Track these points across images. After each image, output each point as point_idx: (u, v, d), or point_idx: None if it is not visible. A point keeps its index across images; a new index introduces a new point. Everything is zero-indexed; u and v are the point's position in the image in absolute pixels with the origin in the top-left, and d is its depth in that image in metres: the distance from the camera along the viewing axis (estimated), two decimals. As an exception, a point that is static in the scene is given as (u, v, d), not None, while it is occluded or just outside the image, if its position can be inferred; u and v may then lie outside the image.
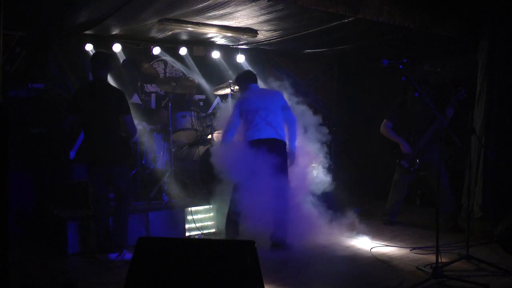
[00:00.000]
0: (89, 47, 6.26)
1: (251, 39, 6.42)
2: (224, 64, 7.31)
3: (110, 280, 3.94)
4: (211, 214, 5.42)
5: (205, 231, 5.30)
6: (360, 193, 6.96)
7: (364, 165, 7.34)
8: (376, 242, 5.02)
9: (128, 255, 4.37)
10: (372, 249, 4.79)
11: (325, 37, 6.31)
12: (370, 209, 5.45)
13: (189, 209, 5.25)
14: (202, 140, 6.03)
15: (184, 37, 6.58)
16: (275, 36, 6.40)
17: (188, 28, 5.70)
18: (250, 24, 5.81)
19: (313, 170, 5.32)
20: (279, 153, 4.61)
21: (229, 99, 5.92)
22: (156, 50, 6.76)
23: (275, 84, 5.38)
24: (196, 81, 6.84)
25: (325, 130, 5.31)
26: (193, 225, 5.23)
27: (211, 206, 5.42)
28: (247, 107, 4.78)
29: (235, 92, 5.90)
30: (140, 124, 6.12)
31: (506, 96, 5.90)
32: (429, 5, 5.64)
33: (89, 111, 4.45)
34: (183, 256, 2.49)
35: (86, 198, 5.07)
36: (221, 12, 5.17)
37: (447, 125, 4.44)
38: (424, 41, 6.42)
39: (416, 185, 6.65)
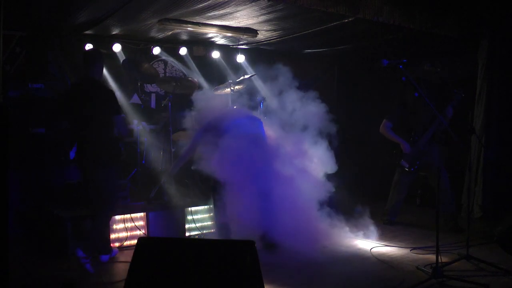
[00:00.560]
0: (89, 47, 6.25)
1: (251, 39, 6.42)
2: (224, 64, 7.31)
3: (110, 280, 3.94)
4: (211, 214, 5.42)
5: (205, 231, 5.30)
6: (360, 193, 6.95)
7: (364, 165, 7.34)
8: (376, 242, 5.02)
9: (105, 257, 4.33)
10: (372, 249, 4.79)
11: (325, 37, 6.30)
12: (370, 209, 5.45)
13: (189, 209, 5.25)
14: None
15: (184, 37, 6.58)
16: (275, 36, 6.40)
17: (188, 28, 5.70)
18: (250, 24, 5.81)
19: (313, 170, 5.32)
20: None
21: None
22: (156, 50, 6.76)
23: (273, 84, 5.37)
24: (196, 81, 6.84)
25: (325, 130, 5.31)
26: (193, 225, 5.23)
27: (211, 206, 5.42)
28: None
29: (235, 92, 5.90)
30: (140, 124, 6.13)
31: (506, 96, 5.90)
32: (429, 5, 5.63)
33: (78, 111, 4.27)
34: (183, 256, 2.49)
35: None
36: (221, 12, 5.17)
37: (447, 125, 4.44)
38: (424, 41, 6.42)
39: (416, 185, 6.65)
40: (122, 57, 6.53)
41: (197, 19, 5.53)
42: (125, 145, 6.46)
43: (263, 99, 5.98)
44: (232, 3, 4.85)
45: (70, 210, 4.95)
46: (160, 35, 6.39)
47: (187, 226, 5.23)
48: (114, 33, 6.22)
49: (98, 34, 6.21)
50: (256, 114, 5.66)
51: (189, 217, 5.25)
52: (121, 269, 4.21)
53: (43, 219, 5.30)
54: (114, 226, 4.81)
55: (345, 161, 5.52)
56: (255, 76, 6.42)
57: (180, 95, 6.40)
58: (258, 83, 6.68)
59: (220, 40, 6.81)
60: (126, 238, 4.86)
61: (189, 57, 7.13)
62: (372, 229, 5.21)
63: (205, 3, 4.83)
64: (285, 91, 5.30)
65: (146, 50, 6.82)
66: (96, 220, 4.36)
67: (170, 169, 5.35)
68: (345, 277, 3.98)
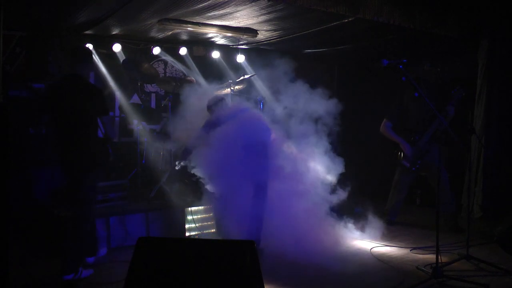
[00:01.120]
0: (89, 47, 6.26)
1: (251, 39, 6.42)
2: (224, 64, 7.31)
3: (110, 280, 3.94)
4: (211, 214, 5.42)
5: (205, 231, 5.30)
6: (360, 193, 6.95)
7: (364, 165, 7.34)
8: (376, 242, 5.02)
9: (85, 273, 4.01)
10: (372, 249, 4.79)
11: (325, 37, 6.31)
12: (370, 209, 5.46)
13: (189, 209, 5.25)
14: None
15: (184, 37, 6.58)
16: (275, 36, 6.40)
17: (188, 28, 5.70)
18: (250, 24, 5.81)
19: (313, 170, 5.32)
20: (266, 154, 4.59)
21: None
22: (156, 50, 6.76)
23: (273, 84, 5.38)
24: (196, 81, 6.85)
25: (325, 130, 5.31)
26: (193, 225, 5.23)
27: (211, 206, 5.42)
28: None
29: (235, 92, 5.90)
30: (140, 124, 6.13)
31: (506, 96, 5.90)
32: (429, 5, 5.63)
33: (60, 110, 3.97)
34: (183, 256, 2.49)
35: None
36: (221, 12, 5.17)
37: (447, 125, 4.44)
38: (424, 41, 6.42)
39: (416, 185, 6.65)
40: (122, 57, 6.54)
41: (197, 19, 5.53)
42: (124, 145, 6.48)
43: (263, 99, 5.98)
44: (232, 3, 4.85)
45: (70, 210, 4.95)
46: (160, 35, 6.40)
47: (187, 226, 5.22)
48: (114, 33, 6.22)
49: (98, 34, 6.21)
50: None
51: (189, 217, 5.25)
52: (121, 269, 4.20)
53: (43, 219, 5.30)
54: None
55: (345, 161, 5.52)
56: (255, 76, 6.42)
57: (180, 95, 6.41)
58: (258, 83, 6.68)
59: (220, 40, 6.81)
60: (126, 238, 4.87)
61: (189, 57, 7.13)
62: (372, 229, 5.21)
63: (205, 3, 4.83)
64: (284, 91, 5.30)
65: (146, 50, 6.82)
66: (79, 225, 4.01)
67: (175, 164, 5.32)
68: (345, 277, 3.98)
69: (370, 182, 7.27)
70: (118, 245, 4.83)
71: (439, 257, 3.75)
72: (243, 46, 7.25)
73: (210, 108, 5.03)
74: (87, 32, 6.03)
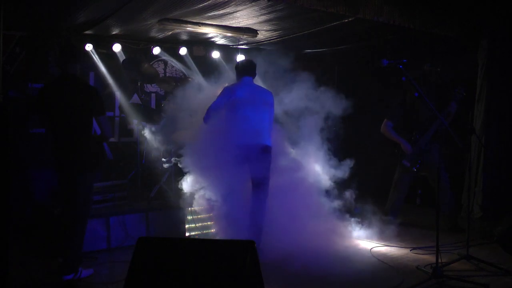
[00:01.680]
0: (89, 47, 6.26)
1: (251, 39, 6.42)
2: (224, 64, 7.31)
3: (110, 280, 3.94)
4: (211, 214, 5.42)
5: (205, 231, 5.30)
6: (360, 192, 6.95)
7: (364, 165, 7.34)
8: (376, 242, 5.02)
9: (85, 273, 4.01)
10: (372, 249, 4.79)
11: (325, 37, 6.30)
12: (370, 209, 5.46)
13: (189, 209, 5.25)
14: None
15: (184, 37, 6.58)
16: (275, 36, 6.40)
17: (188, 28, 5.69)
18: (250, 24, 5.81)
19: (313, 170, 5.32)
20: (263, 160, 4.52)
21: None
22: (156, 50, 6.76)
23: (275, 84, 5.37)
24: (196, 81, 6.85)
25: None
26: (193, 225, 5.24)
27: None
28: (234, 101, 4.51)
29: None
30: (140, 124, 6.13)
31: (506, 96, 5.90)
32: (429, 5, 5.63)
33: (55, 111, 3.91)
34: (183, 256, 2.49)
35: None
36: (221, 12, 5.17)
37: (447, 125, 4.44)
38: (424, 41, 6.42)
39: (416, 185, 6.65)
40: (122, 57, 6.53)
41: (197, 19, 5.53)
42: (124, 145, 6.48)
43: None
44: (232, 3, 4.85)
45: (67, 210, 4.95)
46: (160, 35, 6.39)
47: (187, 226, 5.23)
48: (114, 33, 6.22)
49: (98, 34, 6.21)
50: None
51: (189, 217, 5.25)
52: (121, 269, 4.21)
53: (43, 219, 5.30)
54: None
55: (345, 161, 5.52)
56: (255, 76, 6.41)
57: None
58: (258, 83, 6.67)
59: (220, 40, 6.81)
60: (126, 238, 4.87)
61: (189, 57, 7.13)
62: (372, 229, 5.21)
63: (205, 3, 4.83)
64: (284, 91, 5.30)
65: (146, 50, 6.82)
66: (74, 228, 3.97)
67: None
68: (345, 277, 3.98)
69: (370, 181, 7.27)
70: (118, 245, 4.84)
71: (439, 257, 3.75)
72: (243, 46, 7.24)
73: (239, 69, 4.77)
74: (87, 32, 6.03)
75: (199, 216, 5.32)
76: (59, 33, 6.01)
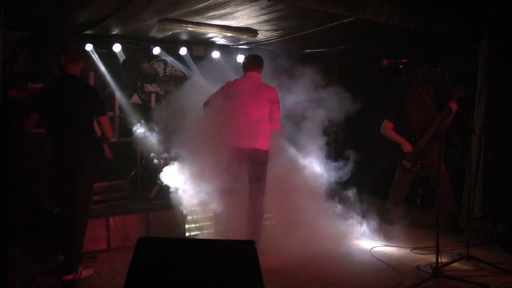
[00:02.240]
0: (89, 47, 6.26)
1: (251, 39, 6.42)
2: (224, 64, 7.30)
3: (110, 280, 3.94)
4: (211, 214, 5.42)
5: (205, 231, 5.30)
6: (360, 192, 6.95)
7: (365, 165, 7.34)
8: (376, 242, 5.02)
9: (85, 273, 4.00)
10: (372, 249, 4.79)
11: (325, 37, 6.31)
12: (370, 209, 5.47)
13: (189, 209, 5.25)
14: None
15: (184, 37, 6.58)
16: (275, 36, 6.40)
17: (188, 28, 5.70)
18: (250, 24, 5.81)
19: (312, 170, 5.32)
20: (258, 164, 4.47)
21: None
22: (156, 50, 6.76)
23: (275, 84, 5.36)
24: (195, 80, 6.84)
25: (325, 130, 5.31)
26: (193, 225, 5.23)
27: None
28: (231, 96, 4.44)
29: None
30: (140, 124, 6.12)
31: (506, 96, 5.90)
32: (429, 5, 5.64)
33: (54, 110, 3.88)
34: (183, 256, 2.49)
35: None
36: (221, 12, 5.17)
37: (448, 125, 4.44)
38: (424, 41, 6.42)
39: (416, 185, 6.65)
40: (122, 57, 6.53)
41: (197, 19, 5.53)
42: (124, 145, 6.47)
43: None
44: (232, 3, 4.85)
45: (66, 210, 4.95)
46: (160, 35, 6.39)
47: (187, 226, 5.22)
48: (114, 33, 6.22)
49: (98, 34, 6.21)
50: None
51: (189, 217, 5.25)
52: (121, 269, 4.21)
53: (43, 219, 5.31)
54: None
55: (345, 160, 5.52)
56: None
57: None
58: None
59: (220, 40, 6.81)
60: (126, 238, 4.87)
61: (189, 57, 7.13)
62: (372, 229, 5.21)
63: (205, 3, 4.83)
64: (284, 91, 5.30)
65: (146, 50, 6.82)
66: (71, 229, 3.94)
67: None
68: (345, 277, 3.98)
69: (371, 181, 7.28)
70: (118, 245, 4.84)
71: (439, 257, 3.75)
72: (243, 46, 7.25)
73: (244, 63, 4.70)
74: (87, 32, 6.03)
75: (199, 216, 5.32)
76: (59, 33, 6.01)
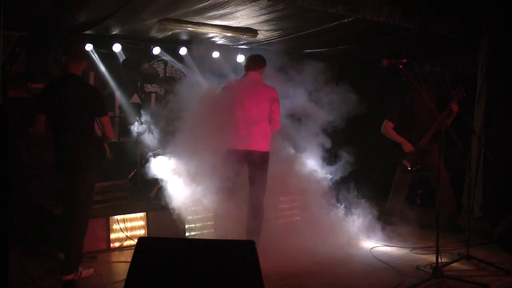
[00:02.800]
0: (89, 47, 6.26)
1: (251, 39, 6.42)
2: (224, 64, 7.30)
3: (110, 280, 3.94)
4: (211, 214, 5.42)
5: (205, 231, 5.30)
6: (359, 192, 6.95)
7: (365, 165, 7.34)
8: (376, 242, 5.02)
9: (85, 273, 3.98)
10: (372, 249, 4.79)
11: (325, 37, 6.31)
12: (370, 209, 5.46)
13: (189, 209, 5.25)
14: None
15: (184, 37, 6.58)
16: (275, 36, 6.40)
17: (188, 28, 5.70)
18: (250, 24, 5.81)
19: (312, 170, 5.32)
20: (257, 165, 4.46)
21: None
22: (156, 50, 6.76)
23: (274, 84, 5.36)
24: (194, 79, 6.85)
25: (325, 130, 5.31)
26: (193, 225, 5.23)
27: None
28: (231, 96, 4.42)
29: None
30: (140, 124, 6.12)
31: (506, 96, 5.90)
32: (429, 5, 5.64)
33: (55, 110, 3.87)
34: (183, 256, 2.49)
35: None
36: (221, 12, 5.17)
37: (447, 125, 4.44)
38: (424, 41, 6.42)
39: (417, 185, 6.65)
40: (122, 57, 6.54)
41: (197, 19, 5.53)
42: (124, 145, 6.47)
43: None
44: (232, 3, 4.85)
45: (67, 210, 4.95)
46: (160, 35, 6.40)
47: (187, 226, 5.23)
48: (114, 33, 6.23)
49: (98, 34, 6.21)
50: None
51: (189, 217, 5.25)
52: (121, 269, 4.21)
53: (43, 219, 5.31)
54: (114, 226, 4.81)
55: (345, 161, 5.52)
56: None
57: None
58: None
59: (220, 40, 6.81)
60: (126, 238, 4.87)
61: (189, 57, 7.12)
62: (372, 229, 5.21)
63: (205, 3, 4.83)
64: (284, 91, 5.30)
65: (146, 50, 6.82)
66: (72, 231, 3.92)
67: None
68: (345, 277, 3.98)
69: (371, 181, 7.28)
70: (118, 245, 4.84)
71: (439, 257, 3.75)
72: (243, 46, 7.25)
73: (244, 63, 4.68)
74: (87, 32, 6.03)
75: (199, 216, 5.32)
76: (59, 33, 6.01)
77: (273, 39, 6.54)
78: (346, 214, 5.39)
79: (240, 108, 4.39)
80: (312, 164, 5.37)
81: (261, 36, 6.32)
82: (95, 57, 6.40)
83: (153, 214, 5.12)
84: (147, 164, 4.92)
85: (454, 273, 3.97)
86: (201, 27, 5.73)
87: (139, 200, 5.56)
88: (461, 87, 5.32)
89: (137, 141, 5.99)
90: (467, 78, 6.28)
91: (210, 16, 5.38)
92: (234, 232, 4.33)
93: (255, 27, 5.96)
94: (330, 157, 5.59)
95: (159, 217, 5.14)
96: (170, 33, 6.18)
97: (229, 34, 6.12)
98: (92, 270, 4.10)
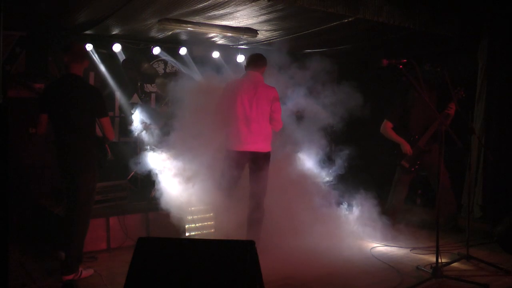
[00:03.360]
0: (89, 47, 6.26)
1: (251, 39, 6.42)
2: (224, 64, 7.30)
3: (110, 280, 3.94)
4: (211, 214, 5.42)
5: (205, 231, 5.30)
6: (359, 192, 6.95)
7: (364, 165, 7.34)
8: (376, 242, 5.02)
9: (85, 273, 4.00)
10: (372, 249, 4.79)
11: (325, 37, 6.31)
12: (370, 209, 5.47)
13: (189, 209, 5.25)
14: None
15: (184, 37, 6.58)
16: (275, 36, 6.40)
17: (188, 28, 5.70)
18: (250, 24, 5.81)
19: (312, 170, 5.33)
20: (258, 166, 4.45)
21: None
22: (156, 50, 6.76)
23: (274, 84, 5.36)
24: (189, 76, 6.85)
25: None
26: (193, 225, 5.23)
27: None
28: (231, 96, 4.42)
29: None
30: (140, 124, 6.12)
31: (506, 96, 5.90)
32: (429, 5, 5.64)
33: (56, 111, 3.89)
34: (183, 256, 2.49)
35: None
36: (221, 12, 5.17)
37: (448, 125, 4.44)
38: (424, 41, 6.42)
39: (416, 185, 6.65)
40: (122, 57, 6.53)
41: (197, 19, 5.53)
42: (124, 145, 6.47)
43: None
44: (232, 3, 4.85)
45: (68, 210, 4.95)
46: (160, 35, 6.40)
47: (187, 226, 5.23)
48: (114, 33, 6.22)
49: (98, 34, 6.21)
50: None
51: (189, 217, 5.25)
52: (121, 269, 4.20)
53: (43, 219, 5.31)
54: (114, 226, 4.81)
55: (345, 161, 5.53)
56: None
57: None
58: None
59: (220, 40, 6.81)
60: (126, 238, 4.87)
61: (189, 57, 7.12)
62: (372, 229, 5.21)
63: (205, 3, 4.83)
64: (283, 91, 5.30)
65: (146, 50, 6.82)
66: (73, 231, 3.94)
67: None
68: (345, 277, 3.98)
69: (370, 182, 7.28)
70: (118, 245, 4.84)
71: (439, 257, 3.75)
72: (243, 46, 7.24)
73: (245, 63, 4.69)
74: (87, 32, 6.03)
75: (199, 216, 5.32)
76: (59, 33, 6.01)
77: (273, 39, 6.54)
78: (346, 214, 5.39)
79: (241, 108, 4.39)
80: (311, 163, 5.38)
81: (261, 36, 6.32)
82: (95, 57, 6.40)
83: (153, 214, 5.12)
84: (143, 158, 4.91)
85: (454, 273, 3.97)
86: (201, 27, 5.73)
87: (139, 200, 5.56)
88: (460, 88, 5.31)
89: (138, 141, 5.99)
90: (467, 78, 6.28)
91: (210, 16, 5.38)
92: (234, 232, 4.33)
93: (255, 27, 5.96)
94: (329, 157, 5.58)
95: (159, 217, 5.14)
96: (170, 33, 6.18)
97: (229, 34, 6.12)
98: (92, 270, 4.10)
